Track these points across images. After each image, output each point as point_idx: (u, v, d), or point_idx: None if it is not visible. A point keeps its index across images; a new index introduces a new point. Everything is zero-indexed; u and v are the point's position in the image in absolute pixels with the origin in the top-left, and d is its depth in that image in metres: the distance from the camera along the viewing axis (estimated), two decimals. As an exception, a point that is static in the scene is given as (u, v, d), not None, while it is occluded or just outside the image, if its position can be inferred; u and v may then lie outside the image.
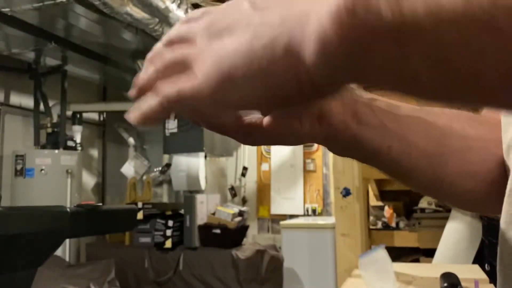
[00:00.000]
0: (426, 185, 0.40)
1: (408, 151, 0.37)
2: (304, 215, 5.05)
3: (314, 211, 5.02)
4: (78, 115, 4.40)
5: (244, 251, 3.44)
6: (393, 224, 3.59)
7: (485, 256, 2.74)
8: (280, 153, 5.27)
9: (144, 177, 4.36)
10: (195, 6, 3.21)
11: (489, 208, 0.43)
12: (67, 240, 3.41)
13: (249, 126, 0.33)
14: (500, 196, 0.38)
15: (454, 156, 0.38)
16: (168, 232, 3.55)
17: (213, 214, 3.65)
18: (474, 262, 2.76)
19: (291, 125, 0.33)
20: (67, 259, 3.55)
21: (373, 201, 3.92)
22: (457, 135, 0.39)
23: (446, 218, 3.18)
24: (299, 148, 5.22)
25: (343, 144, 0.35)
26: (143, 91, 0.29)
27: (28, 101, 4.07)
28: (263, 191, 5.34)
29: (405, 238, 3.39)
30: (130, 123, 0.30)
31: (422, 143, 0.37)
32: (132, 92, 0.30)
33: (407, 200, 3.96)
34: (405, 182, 0.40)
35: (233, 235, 3.52)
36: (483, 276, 1.54)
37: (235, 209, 3.70)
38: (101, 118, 5.05)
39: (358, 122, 0.34)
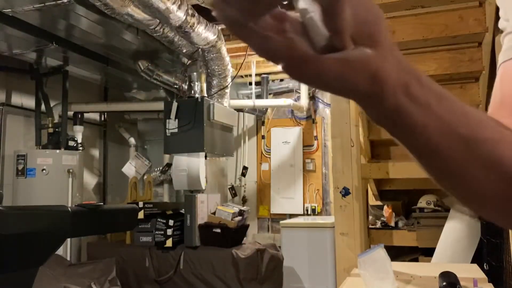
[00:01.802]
0: (451, 168, 0.40)
1: (444, 131, 0.38)
2: (303, 214, 5.06)
3: (313, 210, 5.03)
4: (79, 115, 4.42)
5: (244, 250, 3.45)
6: (392, 224, 3.60)
7: (483, 255, 2.75)
8: (280, 153, 5.29)
9: (145, 177, 4.38)
10: (196, 7, 3.22)
11: (498, 211, 0.43)
12: (68, 239, 3.43)
13: (304, 55, 0.32)
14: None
15: (487, 143, 0.39)
16: (169, 232, 3.57)
17: (214, 213, 3.66)
18: (472, 261, 2.77)
19: (348, 68, 0.32)
20: (68, 258, 3.57)
21: (372, 201, 3.92)
22: (492, 126, 0.41)
23: (445, 218, 3.19)
24: (299, 148, 5.23)
25: (384, 110, 0.36)
26: None
27: (29, 101, 4.08)
28: (263, 191, 5.35)
29: (404, 237, 3.40)
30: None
31: (459, 126, 0.38)
32: None
33: (406, 199, 3.97)
34: (428, 163, 0.40)
35: (233, 235, 3.53)
36: (482, 275, 1.55)
37: (235, 208, 3.71)
38: (102, 118, 5.06)
39: (406, 94, 0.35)
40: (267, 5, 0.30)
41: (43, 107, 4.00)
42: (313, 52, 0.32)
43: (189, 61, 3.93)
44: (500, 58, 0.52)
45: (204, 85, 3.87)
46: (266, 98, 5.10)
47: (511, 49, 0.50)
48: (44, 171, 3.68)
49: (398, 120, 0.36)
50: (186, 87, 3.97)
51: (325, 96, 5.13)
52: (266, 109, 5.37)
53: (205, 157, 3.78)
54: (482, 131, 0.40)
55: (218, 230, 3.51)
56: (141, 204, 3.68)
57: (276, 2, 0.30)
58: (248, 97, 5.14)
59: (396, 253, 3.34)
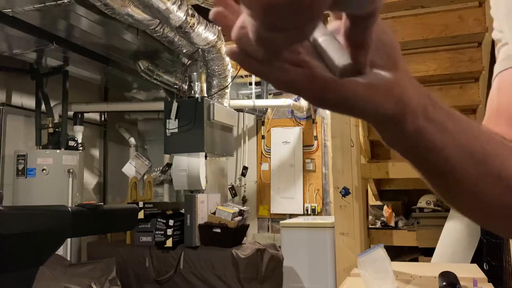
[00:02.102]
0: (465, 185, 0.41)
1: (459, 150, 0.38)
2: (303, 214, 5.06)
3: (313, 210, 5.04)
4: (80, 115, 4.42)
5: (244, 250, 3.46)
6: (392, 224, 3.60)
7: (484, 255, 2.75)
8: (280, 153, 5.29)
9: (145, 177, 4.38)
10: (196, 7, 3.23)
11: (507, 222, 0.44)
12: (68, 239, 3.43)
13: (326, 82, 0.31)
14: None
15: (498, 158, 0.41)
16: (169, 231, 3.57)
17: (214, 213, 3.67)
18: (472, 261, 2.77)
19: (374, 91, 0.32)
20: (68, 258, 3.57)
21: (372, 201, 3.93)
22: (500, 140, 0.42)
23: (444, 218, 3.19)
24: (299, 148, 5.23)
25: (404, 133, 0.36)
26: None
27: (29, 102, 4.09)
28: (263, 191, 5.35)
29: (404, 237, 3.40)
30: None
31: (473, 143, 0.39)
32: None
33: (406, 199, 3.97)
34: (443, 182, 0.41)
35: (233, 234, 3.53)
36: (482, 275, 1.55)
37: (235, 208, 3.71)
38: (103, 118, 5.06)
39: (425, 116, 0.36)
40: (291, 42, 0.29)
41: (43, 107, 4.00)
42: (333, 76, 0.31)
43: (189, 61, 3.93)
44: (496, 68, 0.53)
45: (204, 85, 3.87)
46: (266, 98, 5.11)
47: (508, 59, 0.51)
48: (44, 171, 3.68)
49: (417, 142, 0.37)
50: (186, 87, 3.97)
51: (325, 96, 5.12)
52: (266, 109, 5.38)
53: (205, 157, 3.79)
54: (494, 147, 0.41)
55: (218, 230, 3.51)
56: (141, 204, 3.68)
57: (300, 38, 0.28)
58: (248, 97, 5.14)
59: (396, 253, 3.35)
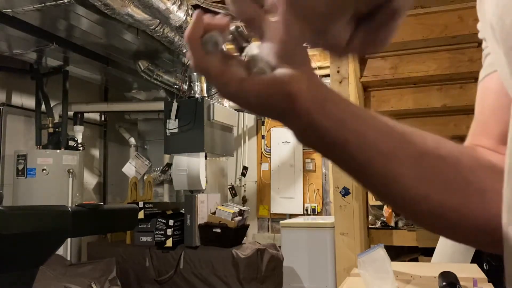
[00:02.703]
0: (380, 185, 0.40)
1: (365, 147, 0.38)
2: (303, 214, 5.06)
3: (313, 210, 5.03)
4: (80, 115, 4.43)
5: (244, 250, 3.46)
6: (392, 223, 3.60)
7: (483, 255, 2.75)
8: (280, 153, 5.29)
9: (145, 177, 4.38)
10: (195, 7, 3.23)
11: (442, 222, 0.42)
12: (68, 239, 3.43)
13: (232, 77, 0.36)
14: (455, 206, 0.40)
15: (410, 160, 0.39)
16: (169, 231, 3.57)
17: (214, 213, 3.67)
18: (472, 261, 2.77)
19: (264, 87, 0.35)
20: (68, 258, 3.57)
21: (372, 201, 3.93)
22: (416, 141, 0.40)
23: (445, 218, 3.18)
24: (299, 148, 5.23)
25: (301, 126, 0.37)
26: None
27: (30, 102, 4.09)
28: (263, 191, 5.35)
29: (403, 237, 3.40)
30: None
31: (380, 142, 0.39)
32: None
33: (406, 199, 3.96)
34: (359, 179, 0.41)
35: (233, 234, 3.53)
36: (482, 275, 1.55)
37: (235, 208, 3.71)
38: (102, 118, 5.07)
39: (319, 111, 0.36)
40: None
41: (43, 107, 4.00)
42: (241, 74, 0.35)
43: (189, 61, 3.93)
44: (481, 74, 0.53)
45: (204, 85, 3.87)
46: (266, 98, 5.10)
47: (489, 66, 0.51)
48: (44, 171, 3.68)
49: (317, 136, 0.37)
50: (186, 87, 3.97)
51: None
52: (266, 109, 5.37)
53: (205, 157, 3.79)
54: (405, 147, 0.40)
55: (218, 230, 3.51)
56: (141, 204, 3.68)
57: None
58: (248, 97, 5.14)
59: (396, 253, 3.34)
